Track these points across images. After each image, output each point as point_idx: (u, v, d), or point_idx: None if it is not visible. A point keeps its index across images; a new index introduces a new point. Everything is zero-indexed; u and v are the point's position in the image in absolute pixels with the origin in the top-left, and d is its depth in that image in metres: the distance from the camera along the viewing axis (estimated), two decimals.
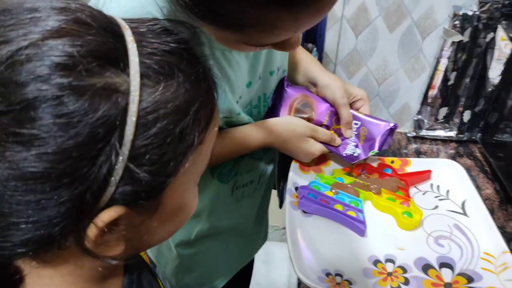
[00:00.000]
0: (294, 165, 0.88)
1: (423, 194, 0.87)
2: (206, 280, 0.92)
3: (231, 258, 0.95)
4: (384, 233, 0.78)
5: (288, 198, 0.82)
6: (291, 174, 0.86)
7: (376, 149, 0.80)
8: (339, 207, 0.80)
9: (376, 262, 0.73)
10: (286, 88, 0.82)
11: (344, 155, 0.82)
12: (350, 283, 0.69)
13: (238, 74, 0.70)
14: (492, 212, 0.83)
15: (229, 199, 0.85)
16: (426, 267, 0.72)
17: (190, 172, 0.38)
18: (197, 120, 0.35)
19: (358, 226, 0.77)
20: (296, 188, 0.84)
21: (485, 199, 0.86)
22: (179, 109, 0.34)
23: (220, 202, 0.84)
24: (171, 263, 0.89)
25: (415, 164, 0.92)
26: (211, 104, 0.39)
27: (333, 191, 0.84)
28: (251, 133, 0.75)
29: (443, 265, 0.73)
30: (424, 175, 0.89)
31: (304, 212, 0.81)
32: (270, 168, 0.90)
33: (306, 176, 0.87)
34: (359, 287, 0.68)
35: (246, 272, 1.07)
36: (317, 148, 0.80)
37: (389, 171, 0.90)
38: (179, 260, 0.88)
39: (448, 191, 0.88)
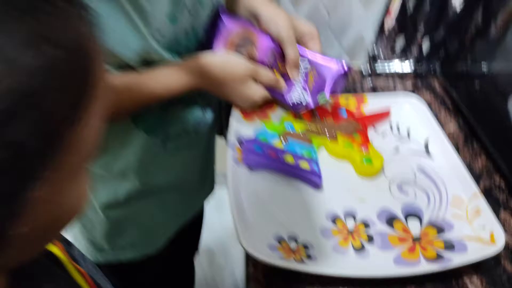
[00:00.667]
0: (235, 113, 0.75)
1: (382, 137, 0.77)
2: (144, 242, 0.80)
3: (171, 216, 0.83)
4: (342, 184, 0.68)
5: (230, 153, 0.69)
6: (232, 124, 0.73)
7: (327, 96, 0.67)
8: (289, 159, 0.68)
9: (335, 218, 0.63)
10: (223, 20, 0.67)
11: (291, 103, 0.69)
12: (306, 247, 0.59)
13: (154, 2, 0.55)
14: (457, 150, 0.75)
15: (161, 153, 0.71)
16: (391, 219, 0.63)
17: (65, 170, 0.24)
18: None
19: (312, 179, 0.66)
20: (241, 142, 0.71)
21: (448, 137, 0.77)
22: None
23: (150, 157, 0.70)
24: (99, 227, 0.76)
25: (372, 101, 0.81)
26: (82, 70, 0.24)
27: (282, 140, 0.72)
28: (173, 75, 0.61)
29: (409, 216, 0.64)
30: (382, 116, 0.79)
31: (250, 168, 0.68)
32: (209, 114, 0.76)
33: (251, 125, 0.74)
34: (317, 251, 0.58)
35: (196, 221, 0.96)
36: (259, 94, 0.67)
37: (345, 114, 0.79)
38: (108, 223, 0.75)
39: (409, 130, 0.78)
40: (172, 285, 0.98)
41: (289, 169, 0.67)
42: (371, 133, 0.77)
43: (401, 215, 0.64)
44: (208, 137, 0.79)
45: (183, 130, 0.72)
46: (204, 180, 0.87)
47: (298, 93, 0.67)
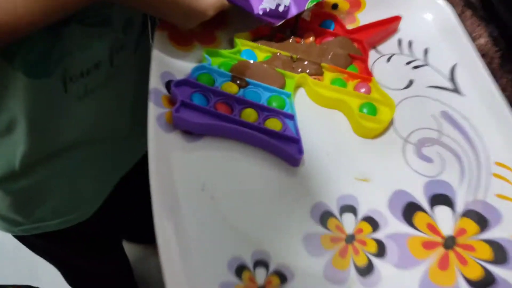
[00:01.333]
0: (160, 35, 0.46)
1: (388, 60, 0.51)
2: (68, 208, 0.58)
3: (101, 174, 0.59)
4: (333, 153, 0.43)
5: (152, 109, 0.42)
6: (155, 56, 0.45)
7: None
8: (250, 115, 0.42)
9: (326, 217, 0.40)
10: None
11: (261, 12, 0.41)
12: (281, 276, 0.36)
13: None
14: (494, 75, 0.51)
15: (63, 99, 0.45)
16: (411, 210, 0.41)
17: None
18: None
19: (287, 150, 0.41)
20: (168, 85, 0.44)
21: (480, 54, 0.52)
22: None
23: (45, 106, 0.44)
24: (1, 202, 0.54)
25: (373, 4, 0.53)
26: None
27: (237, 82, 0.45)
28: None
29: (437, 200, 0.41)
30: (389, 27, 0.52)
31: (186, 132, 0.42)
32: (132, 34, 0.48)
33: (186, 57, 0.46)
34: (299, 283, 0.36)
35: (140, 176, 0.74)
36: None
37: (332, 27, 0.51)
38: (11, 197, 0.53)
39: (426, 49, 0.52)
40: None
41: (249, 133, 0.41)
42: (372, 57, 0.50)
43: (424, 201, 0.41)
44: (138, 67, 0.52)
45: (92, 64, 0.44)
46: (140, 123, 0.60)
47: None
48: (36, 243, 0.66)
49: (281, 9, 0.41)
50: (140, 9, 0.43)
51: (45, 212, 0.57)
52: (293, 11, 0.42)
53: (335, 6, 0.52)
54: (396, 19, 0.51)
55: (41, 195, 0.55)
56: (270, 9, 0.40)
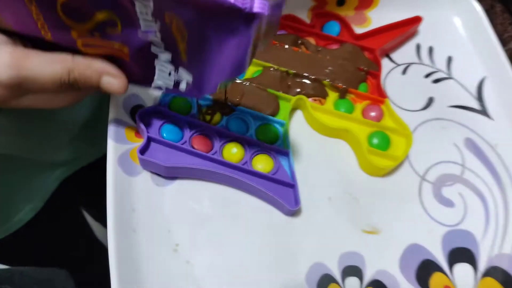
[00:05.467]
0: None
1: (403, 72, 0.43)
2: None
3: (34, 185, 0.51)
4: (335, 195, 0.36)
5: (112, 147, 0.34)
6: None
7: (226, 77, 0.25)
8: (232, 154, 0.34)
9: (325, 282, 0.33)
10: None
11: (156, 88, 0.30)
12: None
13: None
14: None
15: None
16: (426, 270, 0.34)
17: None
18: None
19: (279, 199, 0.33)
20: (133, 113, 0.36)
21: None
22: None
23: None
24: None
25: (386, 2, 0.44)
26: None
27: (220, 107, 0.36)
28: None
29: (457, 257, 0.35)
30: (407, 30, 0.43)
31: (156, 174, 0.34)
32: None
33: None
34: None
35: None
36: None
37: (336, 29, 0.42)
38: None
39: (450, 58, 0.44)
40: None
41: (233, 178, 0.34)
42: (384, 68, 0.42)
43: (442, 258, 0.34)
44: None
45: None
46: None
47: (163, 72, 0.28)
48: None
49: (182, 87, 0.28)
50: None
51: None
52: (195, 94, 0.28)
53: (341, 2, 0.43)
54: (415, 21, 0.42)
55: None
56: (167, 88, 0.29)
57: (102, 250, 0.76)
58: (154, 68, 0.27)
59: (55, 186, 0.51)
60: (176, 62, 0.26)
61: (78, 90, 0.27)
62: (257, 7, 0.21)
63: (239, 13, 0.21)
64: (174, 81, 0.28)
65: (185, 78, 0.27)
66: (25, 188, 0.48)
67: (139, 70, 0.27)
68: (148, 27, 0.24)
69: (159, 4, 0.22)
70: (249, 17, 0.21)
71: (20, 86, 0.25)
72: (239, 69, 0.24)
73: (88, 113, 0.46)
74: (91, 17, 0.23)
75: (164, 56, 0.26)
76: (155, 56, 0.26)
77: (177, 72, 0.27)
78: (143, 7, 0.22)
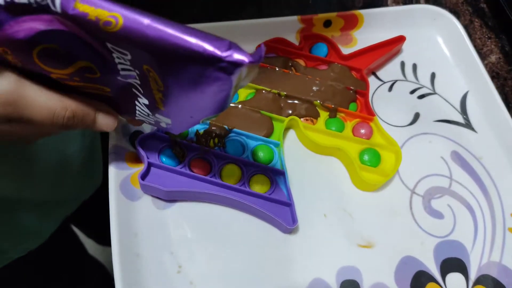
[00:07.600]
0: None
1: (390, 89, 0.44)
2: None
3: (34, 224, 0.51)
4: (330, 212, 0.37)
5: (113, 173, 0.35)
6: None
7: (208, 116, 0.26)
8: (232, 172, 0.36)
9: None
10: None
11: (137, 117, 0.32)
12: None
13: None
14: (507, 102, 0.45)
15: None
16: (420, 281, 0.35)
17: None
18: None
19: (278, 218, 0.34)
20: (132, 140, 0.37)
21: (491, 75, 0.46)
22: None
23: None
24: None
25: (371, 23, 0.46)
26: None
27: (216, 131, 0.37)
28: None
29: (449, 267, 0.36)
30: (392, 49, 0.45)
31: (155, 197, 0.36)
32: None
33: None
34: None
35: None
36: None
37: (324, 50, 0.44)
38: None
39: (433, 74, 0.46)
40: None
41: (232, 199, 0.35)
42: (371, 86, 0.44)
43: (435, 269, 0.36)
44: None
45: None
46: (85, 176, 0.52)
47: (144, 112, 0.29)
48: None
49: (163, 126, 0.29)
50: None
51: None
52: (171, 127, 0.30)
53: (327, 24, 0.45)
54: (399, 40, 0.44)
55: None
56: (150, 123, 0.30)
57: (96, 267, 0.76)
58: (136, 104, 0.28)
59: (57, 224, 0.52)
60: (152, 110, 0.27)
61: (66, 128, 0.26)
62: (238, 55, 0.20)
63: (220, 62, 0.21)
64: (154, 121, 0.29)
65: (164, 121, 0.28)
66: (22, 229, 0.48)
67: (123, 104, 0.28)
68: (127, 73, 0.24)
69: (137, 57, 0.22)
70: (231, 66, 0.21)
71: (16, 104, 0.24)
72: (221, 109, 0.24)
73: (82, 148, 0.46)
74: (68, 66, 0.23)
75: (142, 101, 0.27)
76: (137, 95, 0.26)
77: (155, 116, 0.28)
78: (121, 58, 0.23)
